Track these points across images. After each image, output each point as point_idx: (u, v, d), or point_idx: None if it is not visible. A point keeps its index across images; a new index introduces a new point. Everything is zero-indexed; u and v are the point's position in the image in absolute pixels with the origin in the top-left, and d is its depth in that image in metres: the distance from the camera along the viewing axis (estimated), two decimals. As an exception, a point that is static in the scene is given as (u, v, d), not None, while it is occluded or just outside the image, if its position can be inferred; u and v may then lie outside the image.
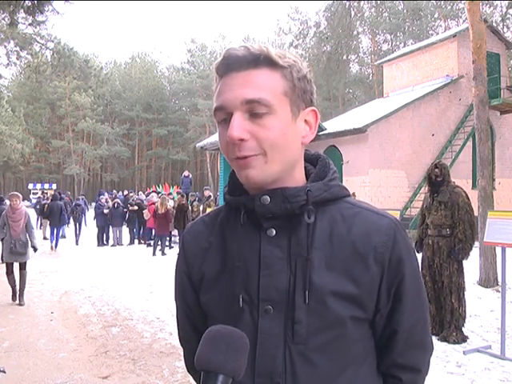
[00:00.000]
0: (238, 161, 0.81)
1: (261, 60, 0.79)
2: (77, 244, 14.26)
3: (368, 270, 0.81)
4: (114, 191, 28.46)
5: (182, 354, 1.05)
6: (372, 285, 0.81)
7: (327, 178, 0.86)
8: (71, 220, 16.05)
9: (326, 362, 0.80)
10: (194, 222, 1.00)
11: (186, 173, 18.12)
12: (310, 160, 0.92)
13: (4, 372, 1.20)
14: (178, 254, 0.98)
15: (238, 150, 0.79)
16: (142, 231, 14.62)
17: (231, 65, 0.80)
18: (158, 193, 16.67)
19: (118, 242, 13.99)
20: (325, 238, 0.82)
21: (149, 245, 13.41)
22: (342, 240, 0.82)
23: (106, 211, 13.69)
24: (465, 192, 4.79)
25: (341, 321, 0.79)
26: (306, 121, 0.85)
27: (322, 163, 0.90)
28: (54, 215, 13.17)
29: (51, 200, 13.80)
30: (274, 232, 0.83)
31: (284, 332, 0.80)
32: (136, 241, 14.55)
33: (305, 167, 0.90)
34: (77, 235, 14.49)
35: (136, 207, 14.17)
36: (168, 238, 13.12)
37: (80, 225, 15.10)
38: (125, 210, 14.53)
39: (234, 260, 0.85)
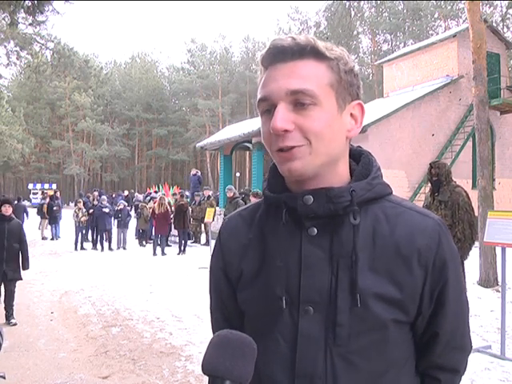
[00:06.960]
0: (280, 153, 0.78)
1: (307, 51, 0.78)
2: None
3: (411, 273, 0.79)
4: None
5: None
6: (415, 288, 0.79)
7: (370, 176, 0.84)
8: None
9: (368, 365, 0.78)
10: (230, 216, 0.96)
11: (193, 171, 17.53)
12: (353, 156, 0.89)
13: (4, 378, 1.20)
14: (214, 250, 0.95)
15: (282, 140, 0.77)
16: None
17: (276, 56, 0.78)
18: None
19: (123, 245, 13.29)
20: (367, 238, 0.80)
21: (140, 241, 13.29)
22: (385, 241, 0.80)
23: (106, 210, 13.04)
24: (465, 191, 4.77)
25: (383, 324, 0.78)
26: (351, 114, 0.83)
27: (364, 160, 0.87)
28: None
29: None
30: (316, 231, 0.81)
31: (325, 334, 0.78)
32: (136, 241, 14.51)
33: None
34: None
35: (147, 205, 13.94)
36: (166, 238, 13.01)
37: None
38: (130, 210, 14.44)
39: (273, 258, 0.83)
